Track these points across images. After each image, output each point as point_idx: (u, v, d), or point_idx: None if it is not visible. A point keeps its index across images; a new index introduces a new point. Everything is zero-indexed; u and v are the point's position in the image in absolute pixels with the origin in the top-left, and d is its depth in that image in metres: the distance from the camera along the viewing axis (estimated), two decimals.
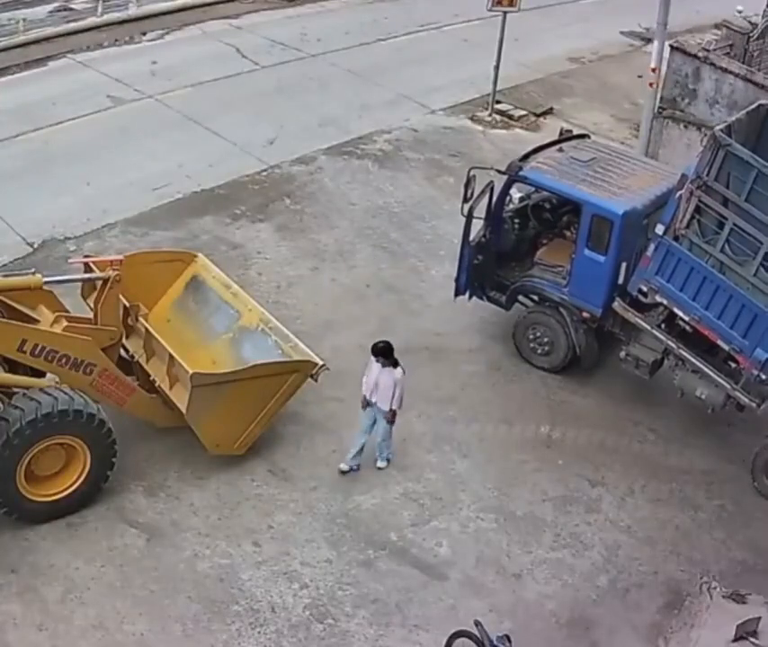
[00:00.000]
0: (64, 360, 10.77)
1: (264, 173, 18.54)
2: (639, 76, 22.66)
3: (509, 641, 9.63)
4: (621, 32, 27.92)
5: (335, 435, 12.57)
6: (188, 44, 24.01)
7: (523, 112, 22.53)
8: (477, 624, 9.63)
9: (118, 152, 18.51)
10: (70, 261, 13.31)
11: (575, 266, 13.49)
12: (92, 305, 11.72)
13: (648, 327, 13.08)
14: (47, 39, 23.26)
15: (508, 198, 14.13)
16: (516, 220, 14.46)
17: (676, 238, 12.47)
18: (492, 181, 13.91)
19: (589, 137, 15.76)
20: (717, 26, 25.27)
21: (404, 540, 11.35)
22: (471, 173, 13.65)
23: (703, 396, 12.97)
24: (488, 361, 14.34)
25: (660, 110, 21.20)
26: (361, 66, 23.26)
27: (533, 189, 14.37)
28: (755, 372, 12.27)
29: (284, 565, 10.84)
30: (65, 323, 11.11)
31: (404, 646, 10.21)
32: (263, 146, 19.39)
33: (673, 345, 12.97)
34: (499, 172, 13.93)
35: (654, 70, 20.41)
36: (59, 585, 10.27)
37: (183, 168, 18.30)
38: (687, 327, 12.77)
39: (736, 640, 9.80)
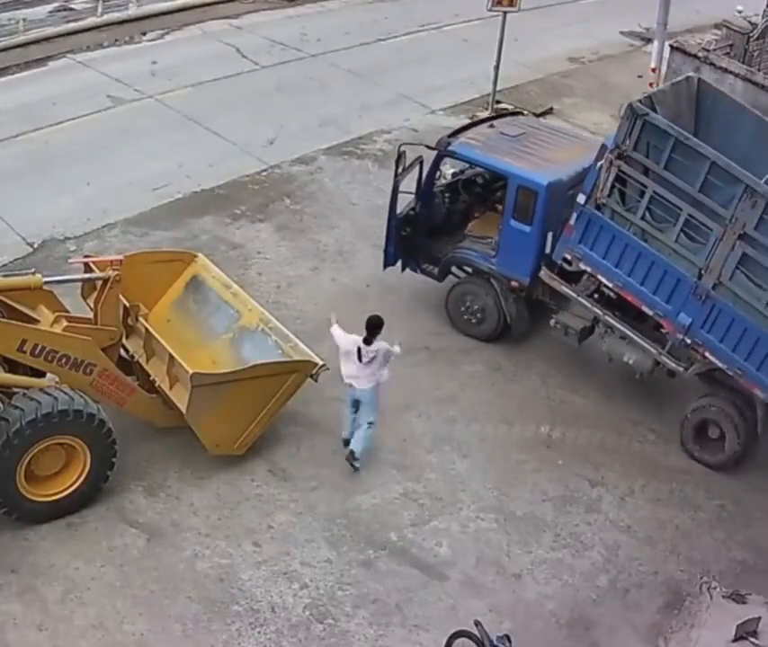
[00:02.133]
0: (64, 360, 10.77)
1: (264, 173, 18.54)
2: (639, 76, 22.68)
3: (509, 641, 9.62)
4: (621, 32, 27.90)
5: (335, 435, 12.56)
6: (188, 44, 24.02)
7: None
8: (477, 624, 9.62)
9: (118, 152, 18.52)
10: (70, 261, 13.31)
11: (502, 237, 13.83)
12: (92, 305, 11.71)
13: (574, 295, 13.37)
14: (47, 39, 23.26)
15: (439, 172, 14.43)
16: (447, 194, 14.82)
17: (598, 207, 12.72)
18: (421, 156, 14.22)
19: (523, 114, 16.08)
20: (717, 26, 25.27)
21: (404, 540, 11.35)
22: (402, 149, 13.98)
23: (631, 361, 13.27)
24: (488, 361, 14.34)
25: None
26: (361, 66, 23.25)
27: (468, 165, 14.67)
28: (680, 336, 12.56)
29: (284, 565, 10.84)
30: (65, 323, 11.10)
31: (404, 646, 10.21)
32: (263, 146, 19.38)
33: (599, 312, 13.26)
34: (429, 147, 14.29)
35: (654, 70, 20.45)
36: (59, 585, 10.27)
37: (183, 168, 18.30)
38: (612, 294, 13.06)
39: (736, 640, 9.78)
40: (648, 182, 12.40)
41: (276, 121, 20.39)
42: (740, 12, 23.06)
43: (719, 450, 12.77)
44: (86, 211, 16.65)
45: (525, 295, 14.06)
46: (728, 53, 21.85)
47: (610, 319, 13.19)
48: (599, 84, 24.63)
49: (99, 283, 11.51)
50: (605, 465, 12.74)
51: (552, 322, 13.84)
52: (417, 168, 14.34)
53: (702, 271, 12.19)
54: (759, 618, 9.88)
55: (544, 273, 13.49)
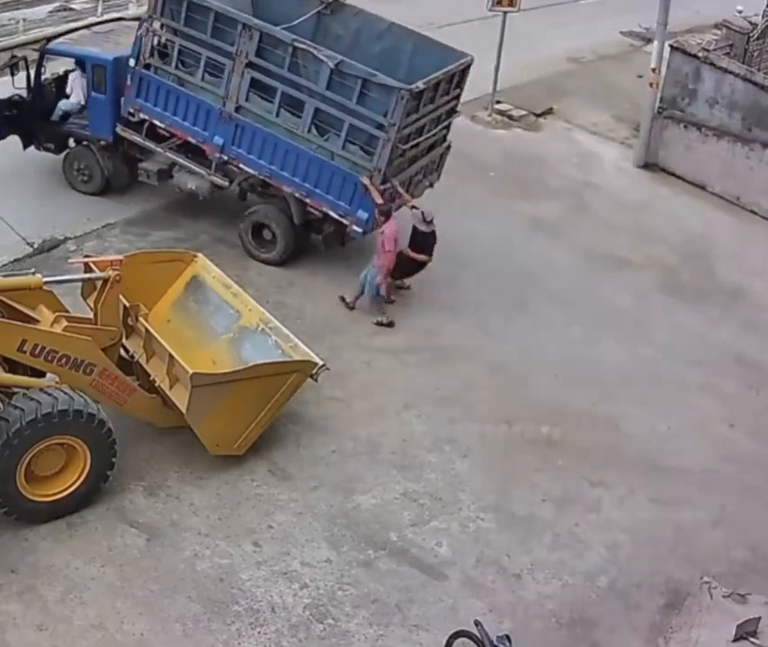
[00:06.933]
0: (64, 360, 10.76)
1: None
2: (639, 76, 22.71)
3: (509, 641, 9.58)
4: (621, 32, 27.97)
5: (335, 435, 12.58)
6: None
7: (523, 112, 22.57)
8: (477, 624, 9.59)
9: None
10: (70, 261, 13.29)
11: (89, 107, 16.99)
12: (92, 305, 11.71)
13: (139, 139, 16.44)
14: (47, 39, 23.22)
15: (44, 68, 17.15)
16: (55, 85, 17.65)
17: (146, 67, 15.81)
18: (25, 56, 17.21)
19: (125, 19, 19.31)
20: (717, 26, 25.33)
21: (404, 540, 11.34)
22: (19, 55, 17.24)
23: (193, 188, 16.40)
24: (488, 361, 14.34)
25: (660, 110, 21.25)
26: None
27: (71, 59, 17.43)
28: (218, 155, 15.71)
29: (284, 565, 10.83)
30: (65, 323, 11.07)
31: (404, 646, 10.21)
32: None
33: (160, 150, 16.41)
34: (34, 50, 17.51)
35: (654, 70, 20.44)
36: (59, 585, 10.25)
37: None
38: (165, 133, 16.18)
39: (736, 640, 9.77)
40: (176, 39, 15.62)
41: None
42: (740, 12, 23.12)
43: (273, 248, 15.77)
44: (86, 211, 16.66)
45: (116, 151, 16.94)
46: (728, 53, 21.91)
47: (170, 155, 16.32)
48: (599, 84, 24.67)
49: (99, 283, 11.50)
50: (605, 465, 12.74)
51: (138, 170, 16.78)
52: (26, 66, 17.10)
53: (225, 100, 15.32)
54: (759, 618, 9.86)
55: (119, 128, 16.48)
